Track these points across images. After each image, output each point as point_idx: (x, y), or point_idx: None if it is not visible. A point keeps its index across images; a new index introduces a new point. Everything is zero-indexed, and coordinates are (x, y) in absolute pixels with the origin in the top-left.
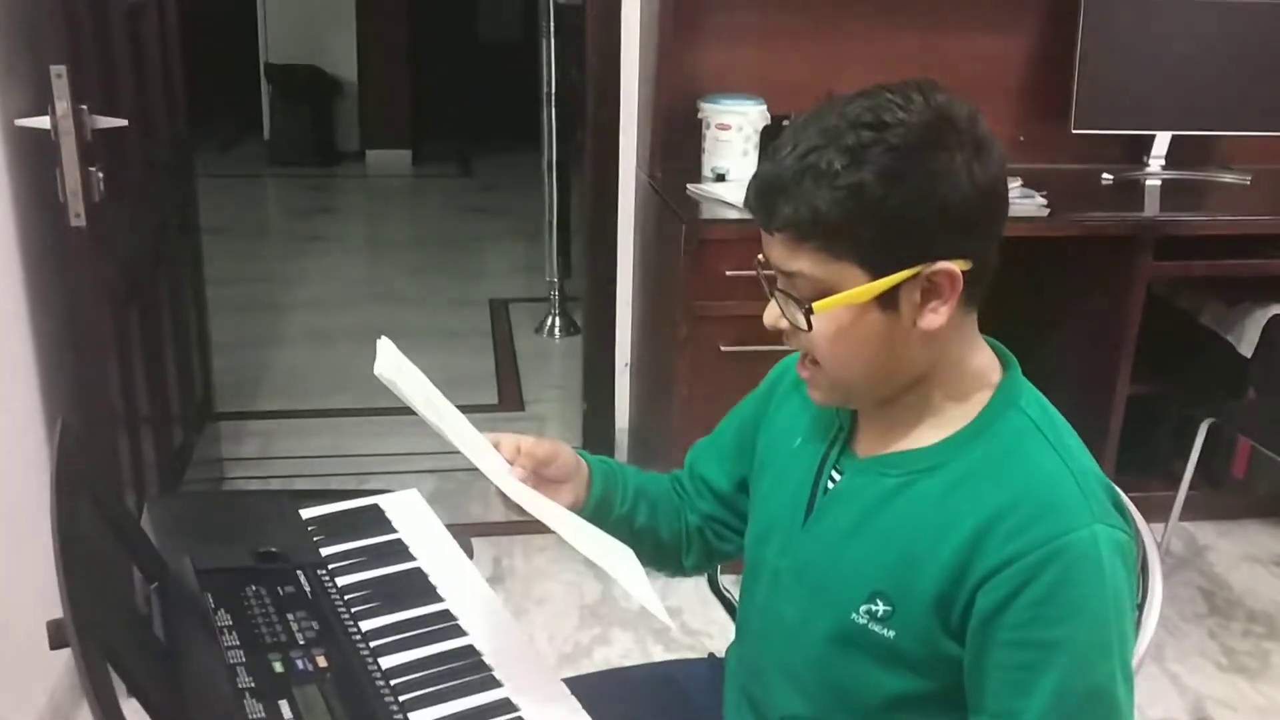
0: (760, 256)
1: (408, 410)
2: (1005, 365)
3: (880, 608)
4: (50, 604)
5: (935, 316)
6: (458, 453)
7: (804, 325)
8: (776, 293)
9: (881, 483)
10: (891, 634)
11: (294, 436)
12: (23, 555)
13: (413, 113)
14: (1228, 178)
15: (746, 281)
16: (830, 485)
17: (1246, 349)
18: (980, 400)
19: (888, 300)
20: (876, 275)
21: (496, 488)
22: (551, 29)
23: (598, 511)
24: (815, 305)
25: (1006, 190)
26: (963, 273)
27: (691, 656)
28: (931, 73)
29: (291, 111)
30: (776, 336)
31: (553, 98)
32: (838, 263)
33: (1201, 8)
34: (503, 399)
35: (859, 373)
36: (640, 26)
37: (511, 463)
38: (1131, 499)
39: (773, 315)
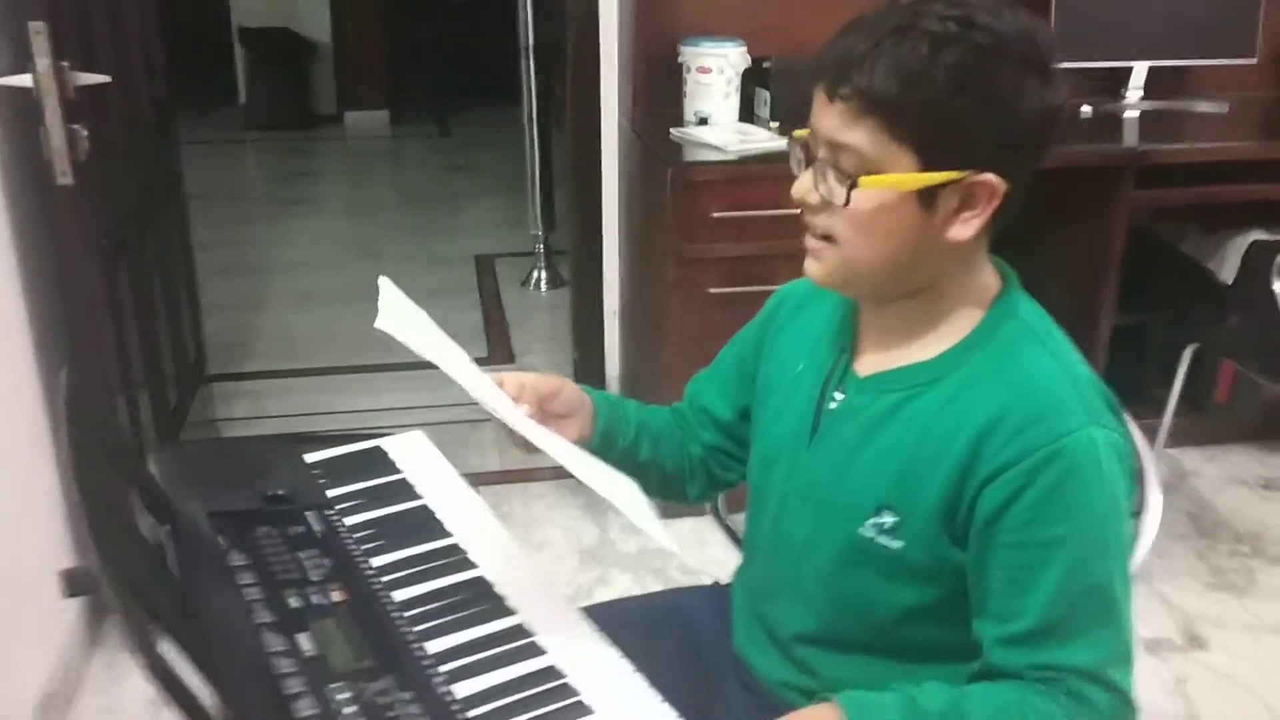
0: (800, 132)
1: (398, 365)
2: (1004, 278)
3: (887, 519)
4: (57, 557)
5: (965, 227)
6: (450, 405)
7: (842, 199)
8: (818, 162)
9: (883, 399)
10: (899, 545)
11: (286, 396)
12: (25, 514)
13: (389, 73)
14: (1205, 106)
15: (733, 223)
16: (833, 405)
17: (1228, 275)
18: (979, 312)
19: (928, 197)
20: (927, 167)
21: (504, 426)
22: None
23: (603, 445)
24: (862, 180)
25: (1059, 124)
26: (1004, 192)
27: None
28: None
29: (267, 75)
30: (765, 278)
31: (530, 50)
32: (894, 144)
33: None
34: (493, 352)
35: (874, 260)
36: None
37: (516, 400)
38: None
39: (804, 187)
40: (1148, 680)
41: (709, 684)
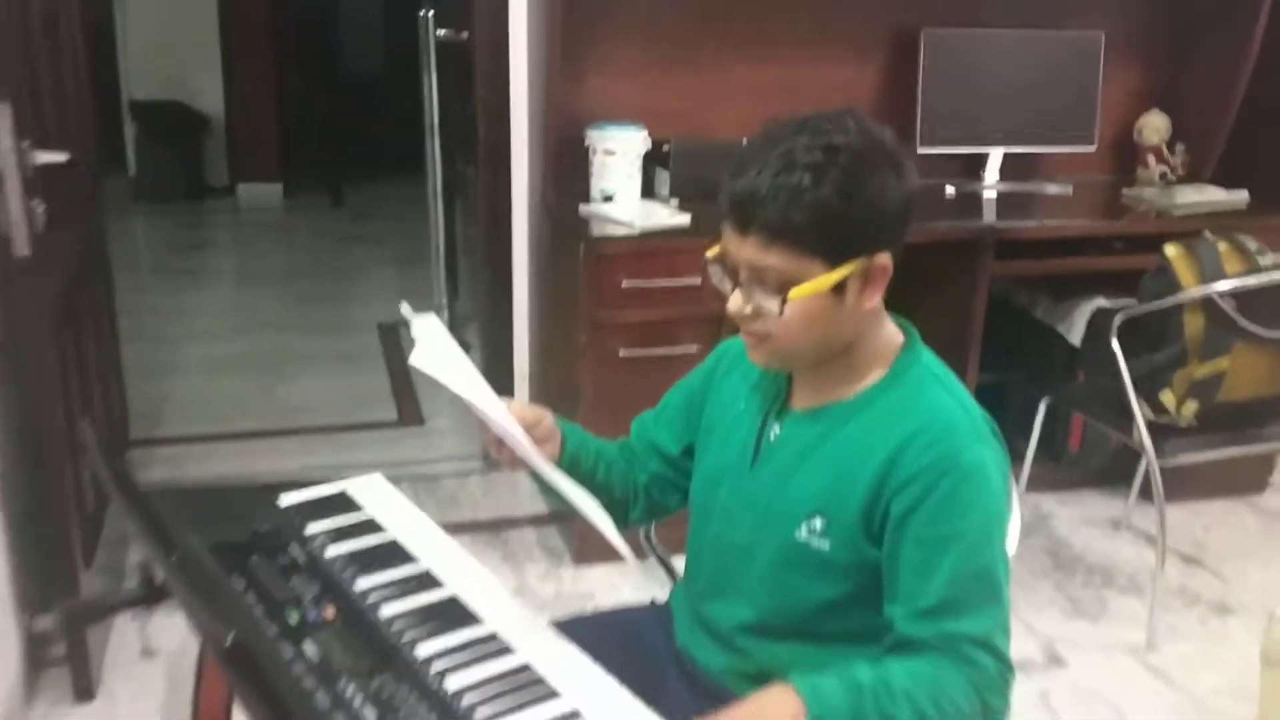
0: (711, 255)
1: (307, 429)
2: (906, 333)
3: (818, 524)
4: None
5: (870, 299)
6: (363, 467)
7: (777, 311)
8: (743, 282)
9: (816, 428)
10: (827, 546)
11: (204, 460)
12: None
13: (281, 146)
14: (1053, 189)
15: (640, 291)
16: (773, 436)
17: (1076, 338)
18: (890, 360)
19: (840, 287)
20: (834, 266)
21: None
22: (433, 63)
23: (570, 466)
24: (792, 293)
25: (916, 197)
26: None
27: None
28: (790, 101)
29: (158, 148)
30: (669, 340)
31: (436, 128)
32: (804, 257)
33: (1020, 41)
34: (402, 415)
35: (806, 345)
36: (528, 60)
37: None
38: None
39: (737, 304)
40: (1016, 696)
41: (654, 676)
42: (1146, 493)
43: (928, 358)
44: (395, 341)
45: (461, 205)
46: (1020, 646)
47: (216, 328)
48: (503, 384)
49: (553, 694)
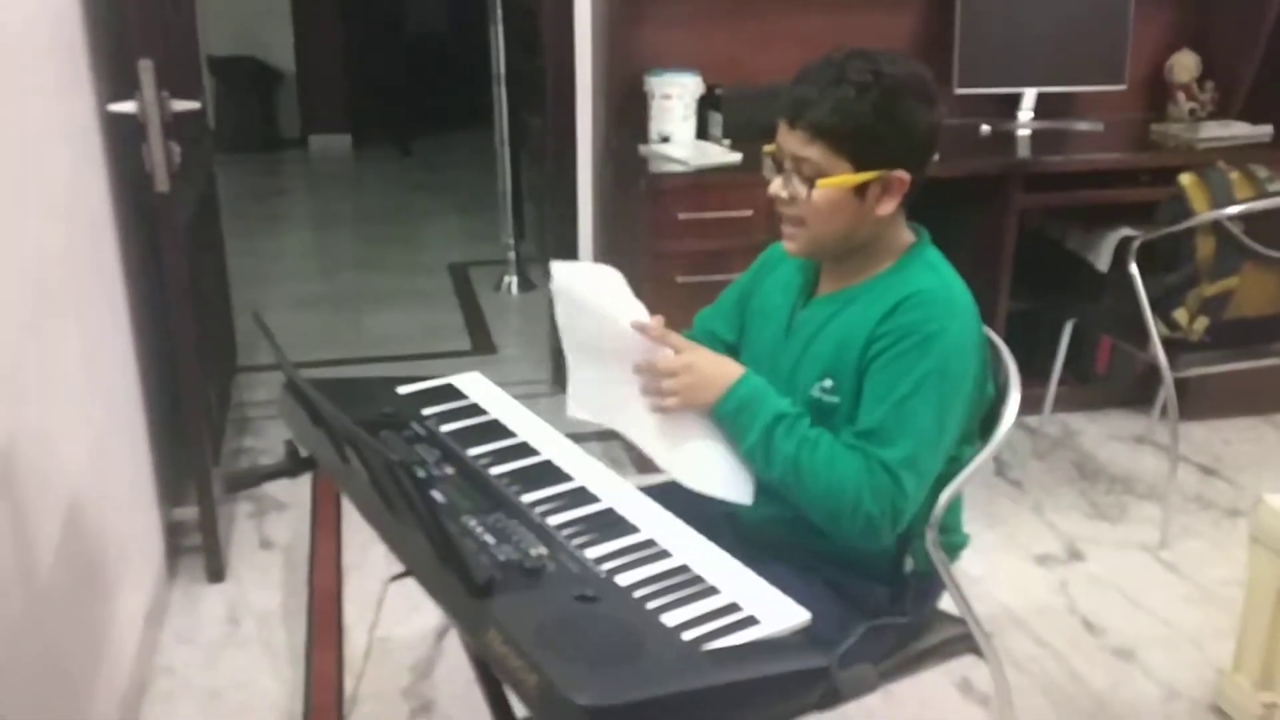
0: (769, 148)
1: (397, 357)
2: (918, 234)
3: (829, 383)
4: (148, 499)
5: (886, 206)
6: None
7: (805, 195)
8: (785, 171)
9: (831, 308)
10: (837, 399)
11: None
12: (123, 458)
13: (350, 100)
14: (1084, 126)
15: (696, 224)
16: (800, 317)
17: (1103, 265)
18: (899, 255)
19: (861, 190)
20: (859, 170)
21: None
22: (500, 17)
23: None
24: (819, 183)
25: (940, 134)
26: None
27: None
28: (832, 44)
29: (234, 101)
30: (722, 269)
31: (502, 79)
32: (837, 157)
33: None
34: (476, 346)
35: (830, 233)
36: (591, 13)
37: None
38: None
39: (777, 187)
40: (1037, 584)
41: (710, 534)
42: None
43: (930, 253)
44: (466, 280)
45: (526, 152)
46: (1042, 543)
47: (300, 268)
48: None
49: (633, 529)
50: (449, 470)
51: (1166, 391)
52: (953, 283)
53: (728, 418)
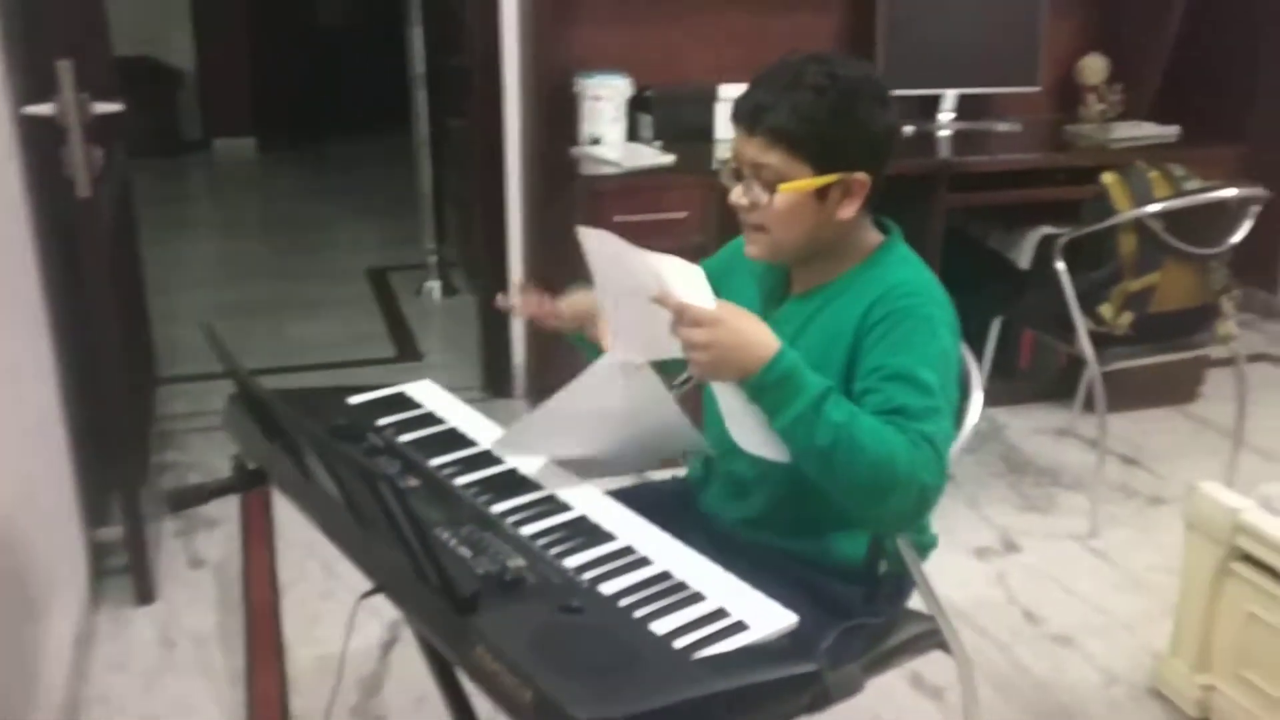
0: (727, 156)
1: (321, 365)
2: (888, 231)
3: None
4: (70, 520)
5: (847, 209)
6: None
7: (767, 201)
8: (745, 178)
9: (808, 307)
10: None
11: (223, 394)
12: (42, 481)
13: (255, 101)
14: (1002, 127)
15: (630, 226)
16: (777, 315)
17: (1025, 262)
18: (871, 251)
19: (822, 193)
20: (819, 174)
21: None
22: (419, 17)
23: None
24: (780, 188)
25: (899, 135)
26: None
27: None
28: (759, 47)
29: (133, 103)
30: None
31: (423, 80)
32: (796, 161)
33: None
34: (401, 352)
35: (793, 238)
36: (518, 13)
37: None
38: None
39: (737, 195)
40: (977, 577)
41: (682, 536)
42: (1089, 404)
43: (901, 249)
44: (386, 286)
45: (447, 155)
46: (979, 536)
47: (211, 276)
48: (500, 320)
49: (610, 536)
50: (413, 482)
51: (1094, 385)
52: (930, 276)
53: (771, 386)
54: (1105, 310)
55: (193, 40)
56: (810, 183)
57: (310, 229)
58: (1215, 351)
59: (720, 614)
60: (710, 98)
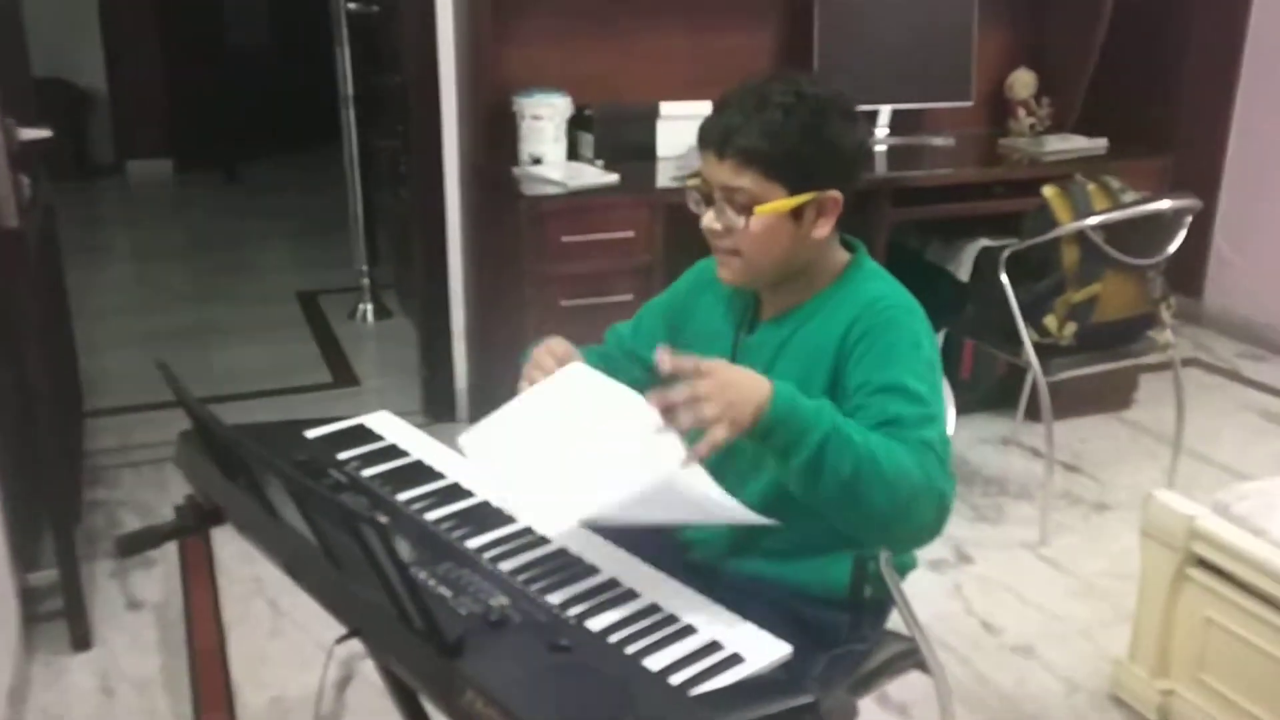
0: (693, 181)
1: (254, 394)
2: (855, 249)
3: None
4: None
5: (822, 228)
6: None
7: (743, 225)
8: (716, 202)
9: (783, 331)
10: None
11: (154, 427)
12: None
13: (170, 122)
14: (937, 141)
15: (578, 246)
16: (746, 344)
17: (964, 275)
18: (840, 270)
19: (797, 213)
20: (794, 194)
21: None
22: (345, 35)
23: None
24: (757, 209)
25: (867, 150)
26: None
27: None
28: (697, 65)
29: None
30: (606, 290)
31: (350, 99)
32: (769, 182)
33: (903, 5)
34: (336, 378)
35: (768, 261)
36: (454, 31)
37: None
38: None
39: (710, 219)
40: (934, 589)
41: (663, 567)
42: (1030, 413)
43: (870, 265)
44: (317, 308)
45: (377, 175)
46: (933, 549)
47: (131, 303)
48: (441, 343)
49: (593, 570)
50: (381, 519)
51: (1041, 396)
52: (901, 288)
53: (781, 422)
54: (1050, 322)
55: (104, 61)
56: (786, 203)
57: (234, 252)
58: (1153, 358)
59: (714, 647)
60: (652, 115)
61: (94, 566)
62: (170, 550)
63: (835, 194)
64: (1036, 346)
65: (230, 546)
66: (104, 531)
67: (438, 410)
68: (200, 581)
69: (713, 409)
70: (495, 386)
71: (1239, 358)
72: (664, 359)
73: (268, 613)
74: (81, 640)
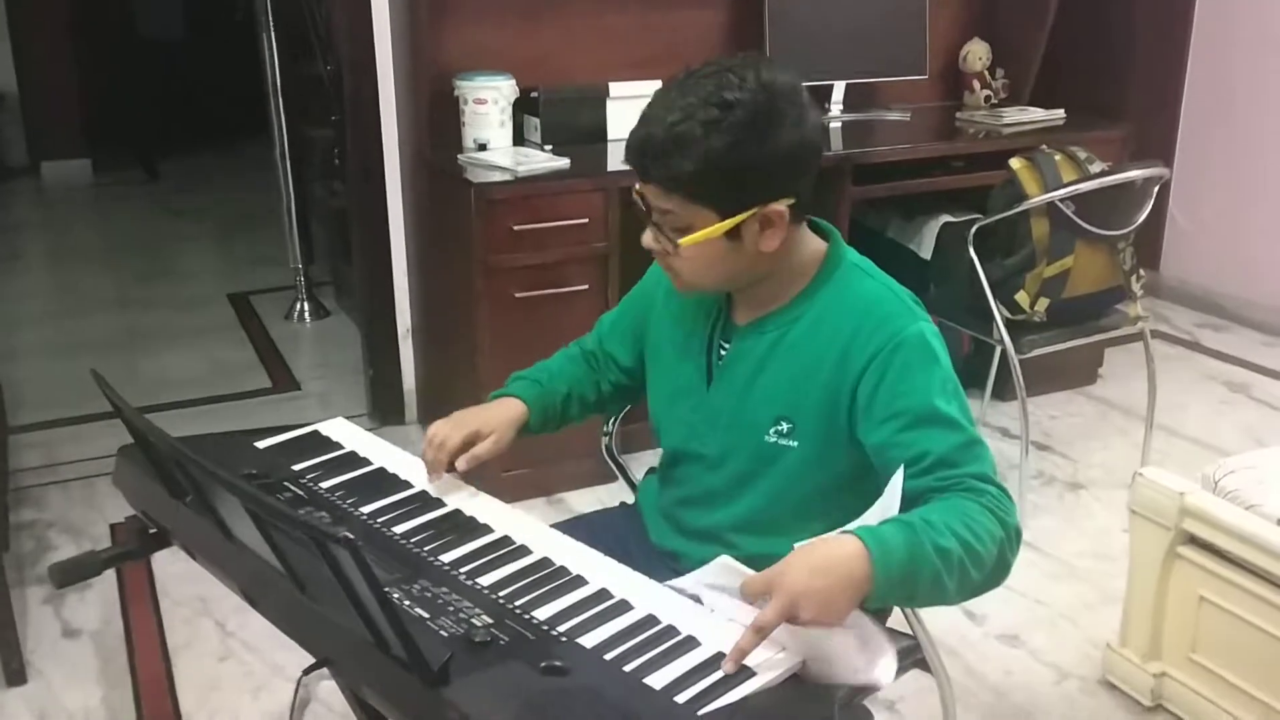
0: (636, 189)
1: (189, 402)
2: (830, 236)
3: (785, 426)
4: None
5: (770, 241)
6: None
7: (673, 250)
8: (651, 224)
9: (764, 339)
10: (795, 443)
11: (80, 442)
12: None
13: (85, 121)
14: (892, 115)
15: (530, 235)
16: (723, 353)
17: (926, 252)
18: (817, 264)
19: (733, 233)
20: (724, 216)
21: None
22: (270, 20)
23: (541, 425)
24: (681, 242)
25: (819, 140)
26: (789, 207)
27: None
28: (646, 43)
29: None
30: (561, 281)
31: (278, 89)
32: (696, 205)
33: None
34: (276, 382)
35: (711, 281)
36: (390, 14)
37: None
38: None
39: (649, 239)
40: None
41: (644, 572)
42: (997, 392)
43: (850, 254)
44: (250, 310)
45: (308, 168)
46: None
47: (50, 311)
48: (387, 341)
49: (580, 580)
50: (346, 535)
51: (1014, 373)
52: (886, 278)
53: (895, 585)
54: (1021, 298)
55: (11, 58)
56: (716, 229)
57: (159, 254)
58: (1122, 331)
59: (720, 659)
60: (601, 96)
61: (25, 593)
62: (108, 573)
63: (777, 206)
64: (1007, 324)
65: (172, 565)
66: (33, 556)
67: (385, 413)
68: (140, 604)
69: (812, 607)
70: (445, 386)
71: (1198, 328)
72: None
73: (215, 634)
74: (16, 674)
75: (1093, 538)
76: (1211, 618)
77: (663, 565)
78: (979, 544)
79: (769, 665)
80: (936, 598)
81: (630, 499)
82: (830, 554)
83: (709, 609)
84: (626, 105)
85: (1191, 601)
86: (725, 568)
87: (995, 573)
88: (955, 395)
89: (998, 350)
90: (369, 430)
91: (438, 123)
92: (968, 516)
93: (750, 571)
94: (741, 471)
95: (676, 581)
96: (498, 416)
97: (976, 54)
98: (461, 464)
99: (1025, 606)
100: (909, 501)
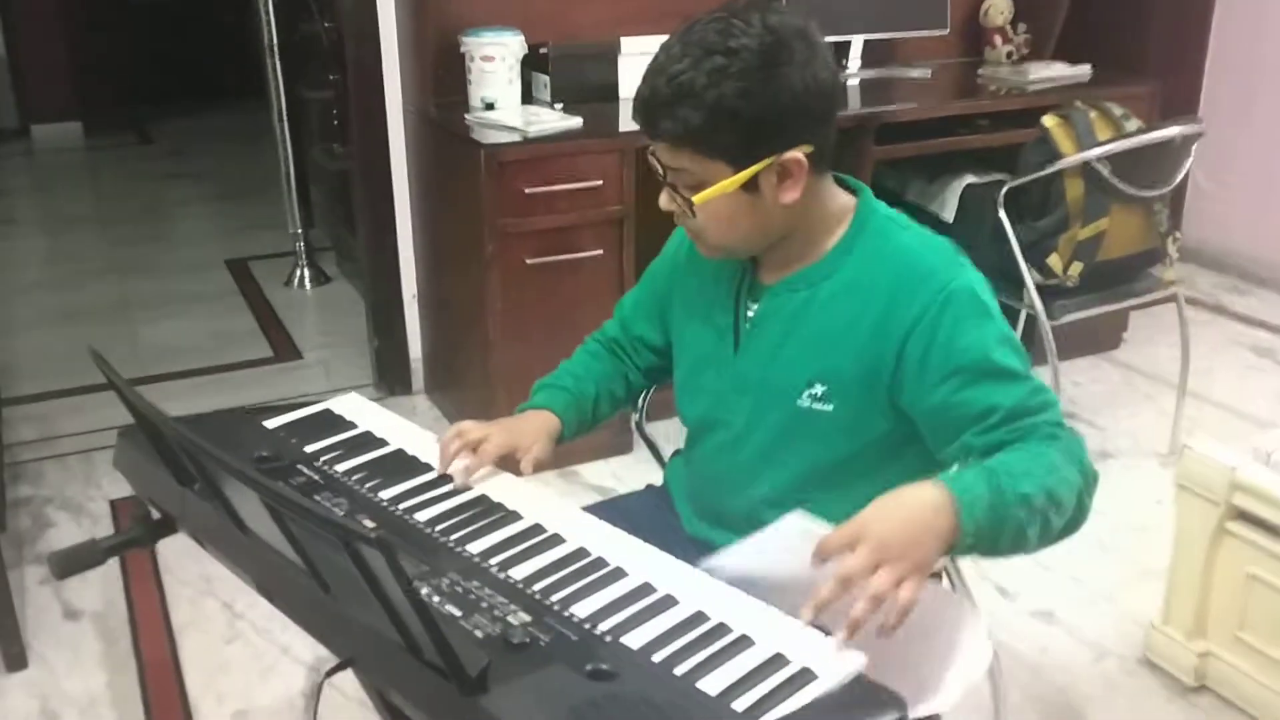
0: (650, 151)
1: (190, 372)
2: (858, 191)
3: (819, 389)
4: None
5: (791, 193)
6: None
7: (690, 212)
8: (666, 185)
9: (794, 298)
10: (830, 407)
11: (79, 414)
12: None
13: (77, 82)
14: (913, 73)
15: (542, 197)
16: (750, 314)
17: (949, 215)
18: (846, 219)
19: (751, 186)
20: (738, 169)
21: None
22: None
23: (577, 432)
24: (695, 199)
25: (836, 83)
26: (807, 155)
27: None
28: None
29: None
30: (574, 246)
31: (275, 49)
32: (708, 160)
33: None
34: (277, 351)
35: (735, 239)
36: None
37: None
38: None
39: (665, 200)
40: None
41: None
42: None
43: (882, 208)
44: (249, 278)
45: (307, 130)
46: None
47: (45, 278)
48: (394, 308)
49: (620, 573)
50: (368, 524)
51: (1046, 340)
52: (921, 229)
53: (981, 533)
54: (1054, 261)
55: (0, 20)
56: (730, 183)
57: (155, 220)
58: (1156, 295)
59: (779, 661)
60: (612, 52)
61: (23, 573)
62: None
63: (795, 154)
64: (1038, 288)
65: (176, 542)
66: (31, 533)
67: (391, 383)
68: (144, 585)
69: (887, 578)
70: (454, 355)
71: (1220, 290)
72: (814, 561)
73: (222, 615)
74: (16, 659)
75: (1126, 510)
76: (1261, 596)
77: (699, 556)
78: (1060, 490)
79: (832, 667)
80: (1019, 546)
81: (654, 477)
82: (915, 501)
83: (762, 577)
84: (639, 61)
85: (1239, 579)
86: (796, 527)
87: (1075, 519)
88: (1013, 346)
89: (1022, 315)
90: (375, 400)
91: (443, 81)
92: (1048, 461)
93: (827, 527)
94: (771, 440)
95: (728, 551)
96: (534, 430)
97: (998, 7)
98: (527, 467)
99: (1058, 582)
100: (985, 457)
